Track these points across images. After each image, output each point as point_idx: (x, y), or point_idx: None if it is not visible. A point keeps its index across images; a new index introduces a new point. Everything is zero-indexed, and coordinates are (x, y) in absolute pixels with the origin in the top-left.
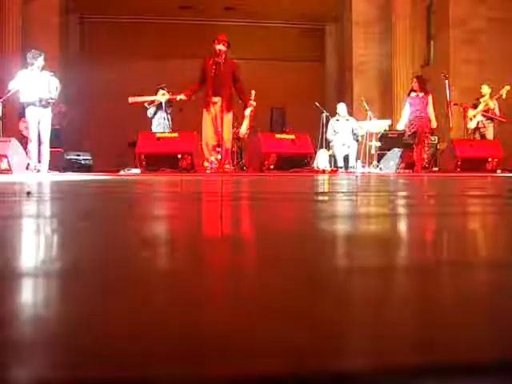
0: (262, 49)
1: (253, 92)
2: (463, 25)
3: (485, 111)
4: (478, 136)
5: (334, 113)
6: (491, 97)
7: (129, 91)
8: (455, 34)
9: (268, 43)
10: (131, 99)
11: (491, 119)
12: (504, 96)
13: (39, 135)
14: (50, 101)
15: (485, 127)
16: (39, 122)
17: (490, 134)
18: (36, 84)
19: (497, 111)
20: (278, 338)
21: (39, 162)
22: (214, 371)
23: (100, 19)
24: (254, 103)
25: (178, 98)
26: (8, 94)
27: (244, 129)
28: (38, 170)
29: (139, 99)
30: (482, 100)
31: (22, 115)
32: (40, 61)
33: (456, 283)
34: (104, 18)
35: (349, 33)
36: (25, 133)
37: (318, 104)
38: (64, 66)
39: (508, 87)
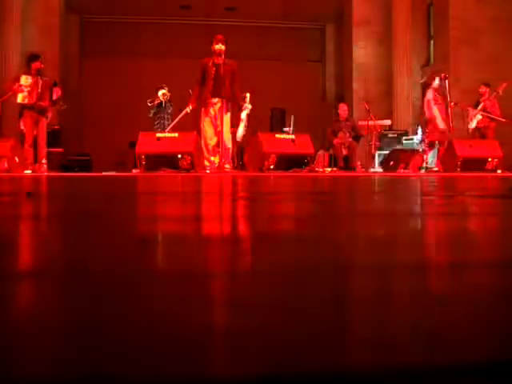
0: (261, 49)
1: (247, 95)
2: (463, 25)
3: (484, 110)
4: (478, 136)
5: (334, 113)
6: (489, 95)
7: (129, 91)
8: (455, 34)
9: (268, 43)
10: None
11: (492, 118)
12: (501, 93)
13: (37, 136)
14: (48, 107)
15: (485, 126)
16: (36, 123)
17: (490, 134)
18: (35, 89)
19: (496, 110)
20: (277, 338)
21: (38, 162)
22: (214, 371)
23: (100, 19)
24: (250, 106)
25: (189, 110)
26: (5, 97)
27: (240, 132)
28: (38, 170)
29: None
30: (481, 100)
31: (22, 114)
32: (37, 64)
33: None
34: (104, 18)
35: (349, 33)
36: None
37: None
38: (64, 65)
39: (505, 84)
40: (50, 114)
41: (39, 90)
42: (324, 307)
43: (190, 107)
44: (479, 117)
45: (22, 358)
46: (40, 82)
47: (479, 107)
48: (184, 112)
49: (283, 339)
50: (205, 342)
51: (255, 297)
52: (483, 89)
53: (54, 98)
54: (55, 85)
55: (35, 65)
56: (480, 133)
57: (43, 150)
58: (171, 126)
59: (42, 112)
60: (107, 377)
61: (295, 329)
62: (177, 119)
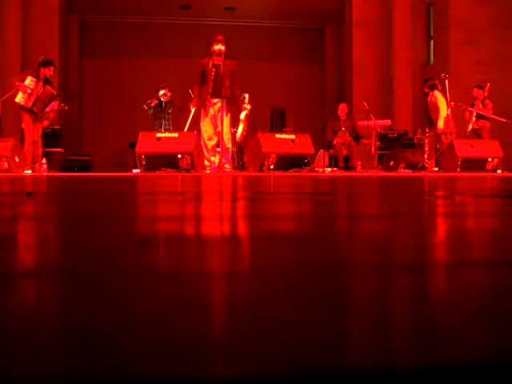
0: (261, 49)
1: (246, 95)
2: (463, 25)
3: (477, 113)
4: (474, 136)
5: (334, 113)
6: (481, 98)
7: (129, 91)
8: (455, 34)
9: (268, 43)
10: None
11: (486, 118)
12: (486, 94)
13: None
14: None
15: (480, 127)
16: (34, 124)
17: (485, 134)
18: (34, 94)
19: (489, 111)
20: (277, 338)
21: (38, 162)
22: (214, 371)
23: (100, 19)
24: (249, 106)
25: (192, 110)
26: (7, 96)
27: (240, 133)
28: (38, 170)
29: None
30: (475, 102)
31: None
32: (47, 70)
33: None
34: (104, 18)
35: (349, 33)
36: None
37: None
38: (64, 65)
39: (488, 84)
40: (51, 115)
41: (37, 97)
42: (324, 307)
43: (192, 107)
44: (473, 119)
45: (21, 358)
46: (41, 90)
47: (473, 109)
48: (192, 113)
49: (283, 339)
50: (204, 341)
51: (254, 297)
52: (476, 91)
53: (47, 110)
54: (55, 98)
55: (45, 71)
56: (476, 133)
57: (39, 150)
58: (187, 127)
59: (37, 115)
60: (107, 377)
61: (295, 329)
62: (188, 121)
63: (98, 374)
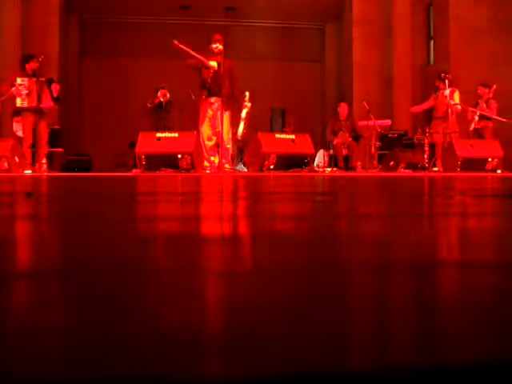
0: (261, 49)
1: (247, 93)
2: (463, 24)
3: (480, 111)
4: (476, 136)
5: (334, 113)
6: (486, 98)
7: (129, 91)
8: (455, 34)
9: (268, 43)
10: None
11: (488, 119)
12: (491, 95)
13: (37, 136)
14: (53, 107)
15: (482, 127)
16: (36, 124)
17: (488, 134)
18: (34, 91)
19: (492, 111)
20: (277, 338)
21: (38, 162)
22: (214, 371)
23: (100, 19)
24: (249, 104)
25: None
26: (2, 99)
27: (240, 131)
28: (38, 170)
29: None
30: (479, 101)
31: (15, 115)
32: (32, 64)
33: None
34: (104, 18)
35: (349, 33)
36: (19, 133)
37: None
38: (64, 65)
39: (495, 85)
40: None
41: (38, 92)
42: (323, 307)
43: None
44: (476, 118)
45: (22, 358)
46: (37, 84)
47: (477, 108)
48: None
49: (283, 339)
50: (204, 341)
51: (254, 297)
52: (481, 90)
53: (55, 95)
54: (52, 81)
55: (30, 65)
56: (478, 133)
57: (43, 150)
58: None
59: (41, 113)
60: (106, 377)
61: (295, 329)
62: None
63: (97, 374)
